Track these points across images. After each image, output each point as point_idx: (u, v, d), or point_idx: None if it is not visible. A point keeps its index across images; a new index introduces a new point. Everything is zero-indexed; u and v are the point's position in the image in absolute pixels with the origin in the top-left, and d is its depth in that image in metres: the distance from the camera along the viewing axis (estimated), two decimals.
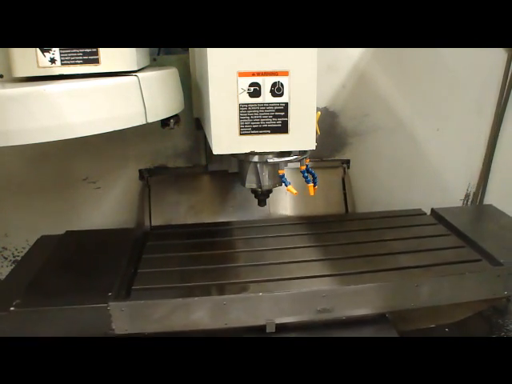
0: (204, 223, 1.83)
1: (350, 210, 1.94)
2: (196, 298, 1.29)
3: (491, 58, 1.91)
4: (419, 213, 1.88)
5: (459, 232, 1.68)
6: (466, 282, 1.41)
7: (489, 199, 2.10)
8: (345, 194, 1.95)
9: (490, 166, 2.06)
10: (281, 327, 1.32)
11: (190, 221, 1.86)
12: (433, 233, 1.69)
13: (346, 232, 1.72)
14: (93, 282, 1.38)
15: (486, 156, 2.05)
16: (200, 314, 1.28)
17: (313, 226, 1.76)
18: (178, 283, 1.38)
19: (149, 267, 1.47)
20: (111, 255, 1.54)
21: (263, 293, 1.30)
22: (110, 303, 1.26)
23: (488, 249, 1.52)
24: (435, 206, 1.88)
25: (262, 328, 1.31)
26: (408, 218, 1.83)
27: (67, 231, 1.74)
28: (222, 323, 1.30)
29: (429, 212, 1.88)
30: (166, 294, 1.31)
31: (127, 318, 1.27)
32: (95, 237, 1.71)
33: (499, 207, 1.87)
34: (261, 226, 1.77)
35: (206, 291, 1.34)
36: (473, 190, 2.11)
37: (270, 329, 1.30)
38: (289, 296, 1.31)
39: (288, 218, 1.89)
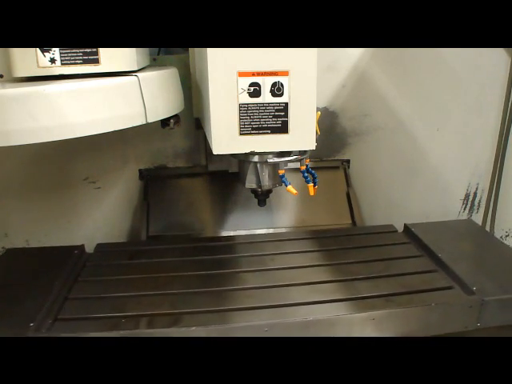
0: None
1: (354, 209, 1.89)
2: (121, 332, 1.16)
3: (492, 58, 1.91)
4: (390, 230, 1.72)
5: (431, 253, 1.52)
6: (432, 314, 1.26)
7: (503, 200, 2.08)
8: (348, 194, 1.94)
9: (502, 167, 2.02)
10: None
11: (190, 221, 1.86)
12: (402, 254, 1.53)
13: (302, 252, 1.55)
14: (18, 308, 1.25)
15: (496, 157, 2.03)
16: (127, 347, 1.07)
17: (258, 245, 1.60)
18: (107, 313, 1.24)
19: (82, 293, 1.34)
20: (46, 277, 1.39)
21: (196, 327, 1.16)
22: (29, 335, 1.14)
23: (461, 274, 1.37)
24: (435, 206, 1.87)
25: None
26: (376, 236, 1.65)
27: (8, 249, 1.65)
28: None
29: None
30: (92, 327, 1.18)
31: None
32: (36, 256, 1.58)
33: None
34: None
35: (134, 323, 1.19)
36: (474, 189, 2.11)
37: None
38: (225, 330, 1.18)
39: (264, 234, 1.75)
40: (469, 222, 1.80)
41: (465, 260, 1.47)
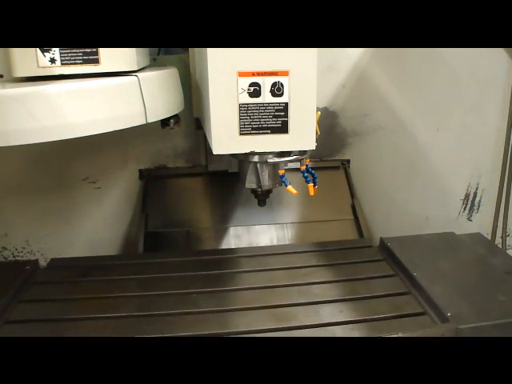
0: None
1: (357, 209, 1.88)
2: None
3: (492, 58, 1.91)
4: (364, 245, 1.60)
5: (406, 272, 1.38)
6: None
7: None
8: (351, 192, 1.93)
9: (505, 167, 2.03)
10: None
11: (189, 221, 1.86)
12: (373, 273, 1.39)
13: (263, 271, 1.41)
14: None
15: (504, 157, 2.02)
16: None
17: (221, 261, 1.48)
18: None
19: (23, 315, 1.23)
20: None
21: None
22: None
23: (435, 297, 1.23)
24: (435, 206, 1.87)
25: None
26: (348, 252, 1.53)
27: None
28: None
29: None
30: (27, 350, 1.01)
31: None
32: None
33: None
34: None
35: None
36: (474, 190, 2.11)
37: None
38: None
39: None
40: (452, 235, 1.63)
41: (442, 280, 1.32)
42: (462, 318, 1.16)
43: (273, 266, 1.43)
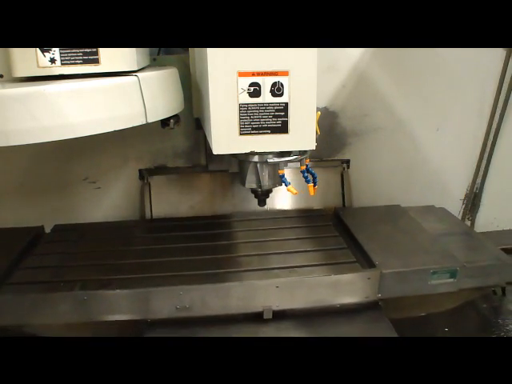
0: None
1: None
2: (58, 293, 1.33)
3: (491, 58, 1.91)
4: (320, 213, 1.87)
5: (350, 234, 1.66)
6: (333, 284, 1.39)
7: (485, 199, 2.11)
8: (343, 194, 1.96)
9: (488, 166, 2.06)
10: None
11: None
12: (319, 234, 1.67)
13: (241, 231, 1.72)
14: None
15: (487, 156, 2.04)
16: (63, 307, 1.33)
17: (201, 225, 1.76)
18: (49, 279, 1.41)
19: (31, 264, 1.51)
20: (1, 252, 1.57)
21: (121, 289, 1.33)
22: None
23: (368, 250, 1.51)
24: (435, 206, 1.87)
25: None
26: (304, 218, 1.81)
27: None
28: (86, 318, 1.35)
29: None
30: (34, 289, 1.35)
31: None
32: None
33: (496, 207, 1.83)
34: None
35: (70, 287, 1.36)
36: (474, 190, 2.11)
37: None
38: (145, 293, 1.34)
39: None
40: (397, 207, 1.90)
41: (378, 240, 1.60)
42: (387, 265, 1.44)
43: (250, 228, 1.75)
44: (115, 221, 1.89)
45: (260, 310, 1.37)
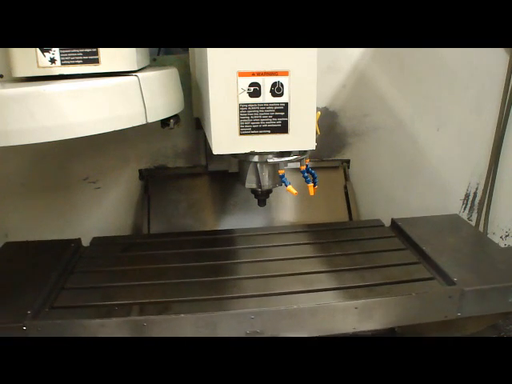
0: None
1: (352, 209, 1.91)
2: (114, 319, 1.20)
3: (491, 58, 1.90)
4: (377, 224, 1.77)
5: (416, 246, 1.56)
6: (413, 304, 1.30)
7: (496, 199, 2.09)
8: (346, 194, 1.94)
9: (496, 166, 2.03)
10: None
11: (190, 221, 1.86)
12: (387, 247, 1.57)
13: (289, 245, 1.60)
14: (17, 297, 1.29)
15: (491, 156, 2.03)
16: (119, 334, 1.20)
17: (252, 238, 1.66)
18: (100, 301, 1.30)
19: (77, 283, 1.39)
20: (42, 269, 1.45)
21: (184, 314, 1.22)
22: (26, 322, 1.18)
23: (443, 265, 1.41)
24: (435, 207, 1.87)
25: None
26: (363, 230, 1.70)
27: (6, 243, 1.66)
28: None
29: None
30: (85, 314, 1.24)
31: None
32: (32, 248, 1.61)
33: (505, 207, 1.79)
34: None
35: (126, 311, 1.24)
36: (474, 189, 2.11)
37: None
38: (212, 317, 1.22)
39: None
40: (455, 217, 1.83)
41: (448, 253, 1.50)
42: (467, 282, 1.34)
43: (301, 242, 1.62)
44: (159, 233, 1.79)
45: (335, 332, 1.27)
